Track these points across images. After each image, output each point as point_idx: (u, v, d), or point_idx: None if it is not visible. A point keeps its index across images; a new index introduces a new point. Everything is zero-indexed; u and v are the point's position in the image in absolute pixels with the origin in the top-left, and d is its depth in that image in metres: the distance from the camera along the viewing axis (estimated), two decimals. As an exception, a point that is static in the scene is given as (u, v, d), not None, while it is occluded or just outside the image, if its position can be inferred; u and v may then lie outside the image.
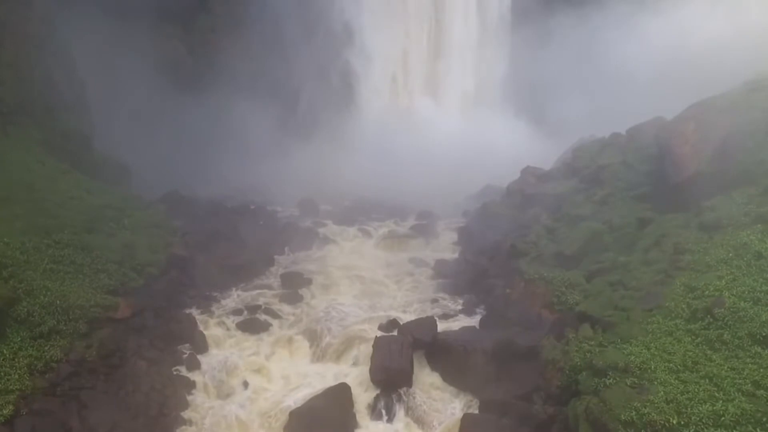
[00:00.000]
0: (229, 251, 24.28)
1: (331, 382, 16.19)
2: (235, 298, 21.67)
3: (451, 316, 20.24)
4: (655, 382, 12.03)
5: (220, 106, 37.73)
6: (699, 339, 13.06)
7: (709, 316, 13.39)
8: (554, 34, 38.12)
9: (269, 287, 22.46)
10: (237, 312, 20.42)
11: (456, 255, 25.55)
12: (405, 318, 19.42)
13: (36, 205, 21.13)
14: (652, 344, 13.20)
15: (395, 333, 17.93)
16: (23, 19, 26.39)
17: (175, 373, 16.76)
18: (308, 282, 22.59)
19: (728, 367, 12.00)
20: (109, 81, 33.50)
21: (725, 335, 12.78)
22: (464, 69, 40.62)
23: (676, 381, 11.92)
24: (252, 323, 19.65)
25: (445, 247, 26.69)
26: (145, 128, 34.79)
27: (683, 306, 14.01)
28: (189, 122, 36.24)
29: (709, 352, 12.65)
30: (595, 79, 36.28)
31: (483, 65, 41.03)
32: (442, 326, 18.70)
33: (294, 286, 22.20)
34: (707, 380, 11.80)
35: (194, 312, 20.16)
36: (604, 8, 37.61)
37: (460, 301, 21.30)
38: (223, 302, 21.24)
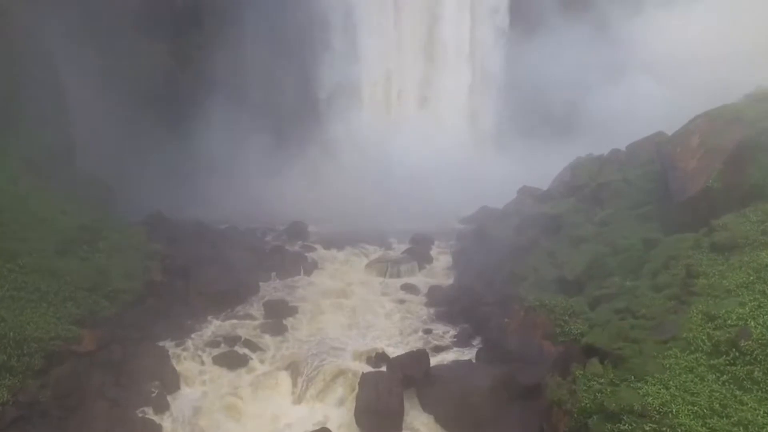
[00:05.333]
0: (211, 277, 22.41)
1: (312, 425, 14.27)
2: (213, 328, 19.80)
3: (445, 348, 18.45)
4: (679, 430, 10.19)
5: (211, 125, 36.15)
6: (725, 377, 11.26)
7: (734, 350, 11.61)
8: (554, 40, 36.75)
9: (251, 316, 20.60)
10: (214, 344, 18.56)
11: (451, 280, 23.80)
12: (395, 350, 17.67)
13: (2, 227, 19.42)
14: (671, 382, 11.37)
15: (384, 368, 16.10)
16: (2, 32, 25.03)
17: (140, 415, 14.95)
18: (293, 311, 20.76)
19: (764, 412, 10.17)
20: (96, 97, 32.03)
21: (756, 373, 10.98)
22: (459, 85, 39.12)
23: (704, 429, 10.08)
24: (229, 357, 17.80)
25: (439, 272, 24.90)
26: (133, 146, 33.16)
27: (703, 337, 12.22)
28: (178, 141, 34.63)
29: (738, 392, 10.83)
30: (597, 89, 34.84)
31: (479, 80, 39.54)
32: (434, 359, 16.97)
33: (278, 315, 20.37)
34: (741, 428, 9.95)
35: (168, 344, 18.36)
36: (604, 12, 36.38)
37: (455, 332, 19.51)
38: (201, 333, 19.36)
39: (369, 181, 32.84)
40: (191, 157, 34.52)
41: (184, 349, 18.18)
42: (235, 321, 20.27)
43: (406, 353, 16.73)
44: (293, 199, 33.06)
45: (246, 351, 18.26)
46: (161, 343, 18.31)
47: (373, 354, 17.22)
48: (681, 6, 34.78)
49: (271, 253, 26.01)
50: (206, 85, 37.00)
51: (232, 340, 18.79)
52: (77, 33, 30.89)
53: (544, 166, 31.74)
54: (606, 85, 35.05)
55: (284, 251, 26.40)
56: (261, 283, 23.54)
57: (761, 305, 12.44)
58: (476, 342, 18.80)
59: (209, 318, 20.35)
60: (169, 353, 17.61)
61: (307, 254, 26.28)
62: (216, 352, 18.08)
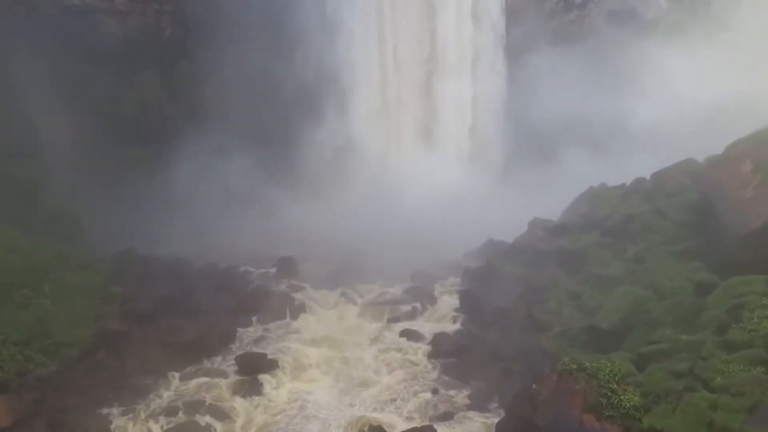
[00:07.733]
0: (178, 324, 18.41)
1: None
2: (173, 389, 15.74)
3: (457, 413, 14.48)
4: None
5: (200, 156, 32.67)
6: None
7: None
8: (551, 70, 33.85)
9: (221, 373, 16.53)
10: (171, 411, 14.53)
11: (458, 325, 19.81)
12: (395, 420, 13.74)
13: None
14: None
15: (380, 449, 12.04)
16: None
17: None
18: (273, 365, 16.68)
19: None
20: (71, 130, 28.61)
21: None
22: (459, 117, 35.94)
23: None
24: (188, 430, 13.70)
25: (444, 315, 20.86)
26: (109, 179, 29.61)
27: (837, 432, 8.28)
28: (164, 173, 31.06)
29: None
30: (597, 119, 31.70)
31: (479, 111, 36.39)
32: (444, 432, 12.90)
33: (253, 371, 16.33)
34: None
35: (113, 411, 14.43)
36: (606, 43, 33.66)
37: (467, 392, 15.49)
38: (157, 396, 15.34)
39: (366, 213, 29.14)
40: (179, 190, 30.93)
41: (131, 419, 14.18)
42: (201, 379, 16.20)
43: (408, 430, 12.64)
44: (287, 234, 29.14)
45: (210, 420, 14.28)
46: (105, 410, 14.39)
47: (367, 428, 13.13)
48: (680, 38, 32.30)
49: (253, 294, 22.01)
50: (198, 116, 33.74)
51: (194, 405, 14.78)
52: (53, 61, 27.90)
53: (550, 196, 28.31)
54: (606, 113, 32.17)
55: (268, 291, 22.41)
56: (239, 329, 19.55)
57: None
58: (494, 405, 14.88)
59: (170, 375, 16.32)
60: (112, 426, 13.60)
61: (294, 295, 22.24)
62: (172, 422, 14.08)
